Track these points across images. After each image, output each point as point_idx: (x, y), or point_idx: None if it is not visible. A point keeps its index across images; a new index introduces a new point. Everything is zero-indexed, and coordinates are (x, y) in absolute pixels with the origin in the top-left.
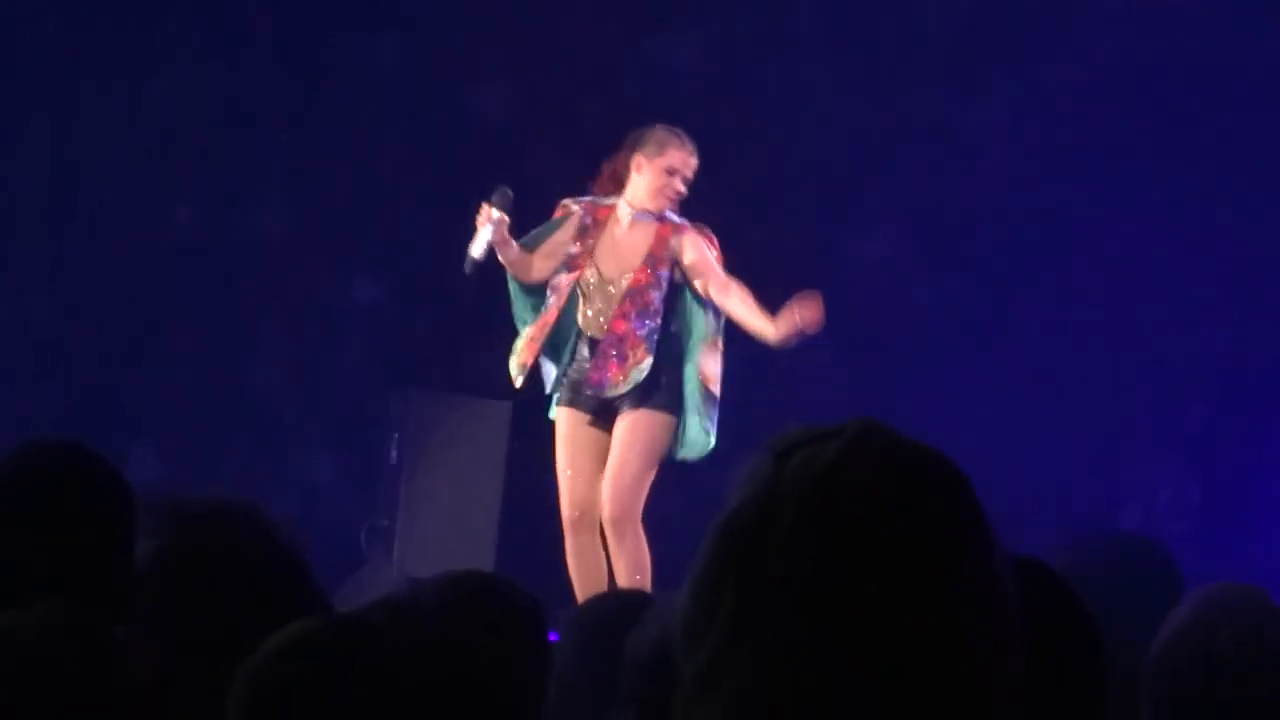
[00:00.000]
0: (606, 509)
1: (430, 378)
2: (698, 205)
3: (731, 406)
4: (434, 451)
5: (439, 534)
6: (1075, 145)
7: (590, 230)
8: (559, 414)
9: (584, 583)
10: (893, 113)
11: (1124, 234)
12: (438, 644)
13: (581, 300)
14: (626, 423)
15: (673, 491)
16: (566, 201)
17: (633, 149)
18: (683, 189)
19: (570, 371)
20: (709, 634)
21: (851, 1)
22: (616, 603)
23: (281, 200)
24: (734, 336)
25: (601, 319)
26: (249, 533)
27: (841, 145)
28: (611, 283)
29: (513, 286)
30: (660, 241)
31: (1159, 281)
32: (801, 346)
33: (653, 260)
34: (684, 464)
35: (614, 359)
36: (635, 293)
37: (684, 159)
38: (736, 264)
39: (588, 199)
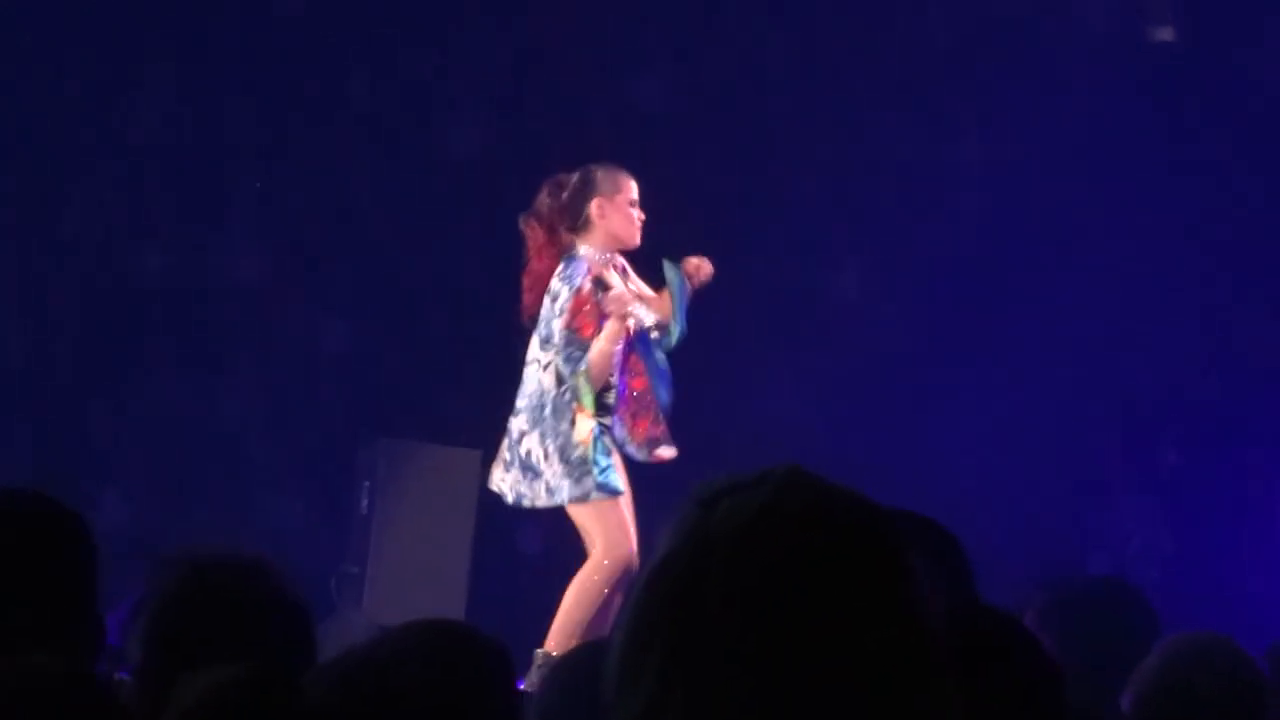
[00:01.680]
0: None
1: (400, 425)
2: (669, 241)
3: (700, 446)
4: (404, 499)
5: (409, 582)
6: (1044, 185)
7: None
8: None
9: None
10: (862, 150)
11: (1093, 276)
12: (404, 692)
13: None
14: None
15: None
16: (597, 275)
17: (584, 197)
18: (640, 215)
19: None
20: (640, 684)
21: (822, 41)
22: (603, 652)
23: (252, 241)
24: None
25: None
26: (258, 586)
27: (811, 182)
28: None
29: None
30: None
31: (1129, 324)
32: (771, 388)
33: None
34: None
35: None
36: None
37: (634, 186)
38: (707, 301)
39: (595, 258)
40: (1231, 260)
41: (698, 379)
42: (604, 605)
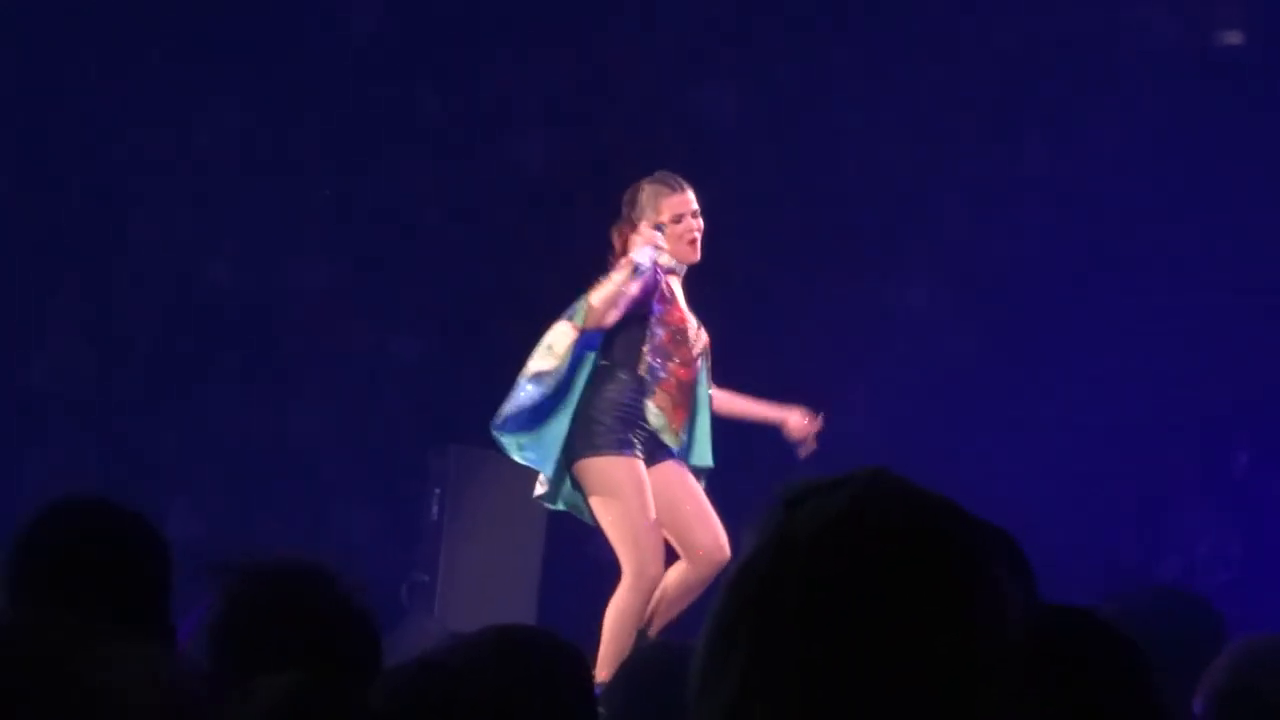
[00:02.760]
0: (720, 552)
1: (471, 433)
2: (734, 255)
3: (765, 462)
4: (474, 506)
5: (480, 588)
6: (1112, 196)
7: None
8: (634, 464)
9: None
10: (930, 164)
11: (1165, 283)
12: (478, 697)
13: None
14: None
15: None
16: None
17: (632, 221)
18: (700, 225)
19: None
20: (723, 684)
21: (890, 53)
22: (671, 652)
23: (322, 252)
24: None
25: None
26: (323, 593)
27: (878, 196)
28: None
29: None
30: None
31: (1200, 330)
32: (841, 403)
33: None
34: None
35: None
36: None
37: (682, 200)
38: (771, 315)
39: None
40: None
41: (771, 395)
42: (640, 613)
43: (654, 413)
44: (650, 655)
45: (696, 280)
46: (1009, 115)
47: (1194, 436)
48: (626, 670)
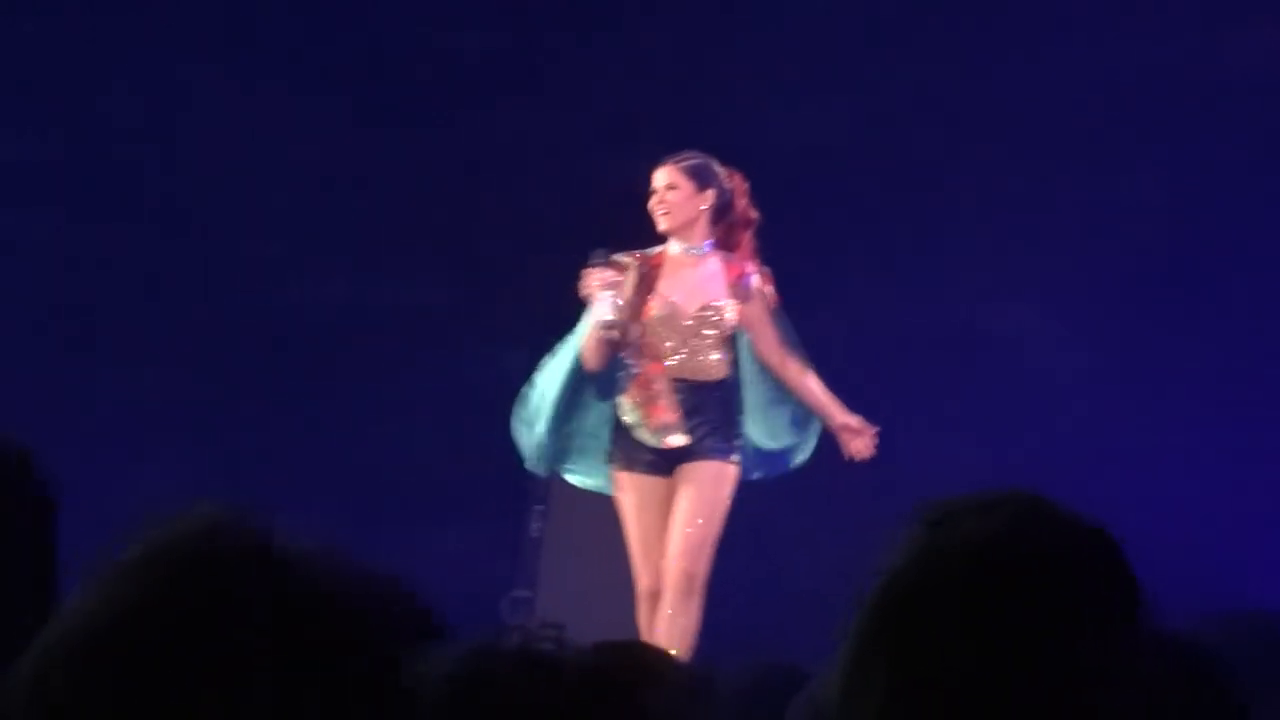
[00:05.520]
0: (678, 565)
1: None
2: (837, 272)
3: (867, 480)
4: (575, 523)
5: (580, 606)
6: (1228, 216)
7: None
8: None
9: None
10: (1041, 186)
11: (1262, 305)
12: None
13: None
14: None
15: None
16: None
17: None
18: (659, 199)
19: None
20: (865, 702)
21: (1000, 76)
22: (772, 672)
23: (431, 270)
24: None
25: None
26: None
27: (988, 218)
28: None
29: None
30: None
31: None
32: (945, 420)
33: None
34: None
35: None
36: None
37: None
38: (870, 338)
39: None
40: None
41: (874, 416)
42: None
43: (627, 409)
44: (753, 674)
45: (799, 296)
46: (1109, 132)
47: None
48: (728, 690)
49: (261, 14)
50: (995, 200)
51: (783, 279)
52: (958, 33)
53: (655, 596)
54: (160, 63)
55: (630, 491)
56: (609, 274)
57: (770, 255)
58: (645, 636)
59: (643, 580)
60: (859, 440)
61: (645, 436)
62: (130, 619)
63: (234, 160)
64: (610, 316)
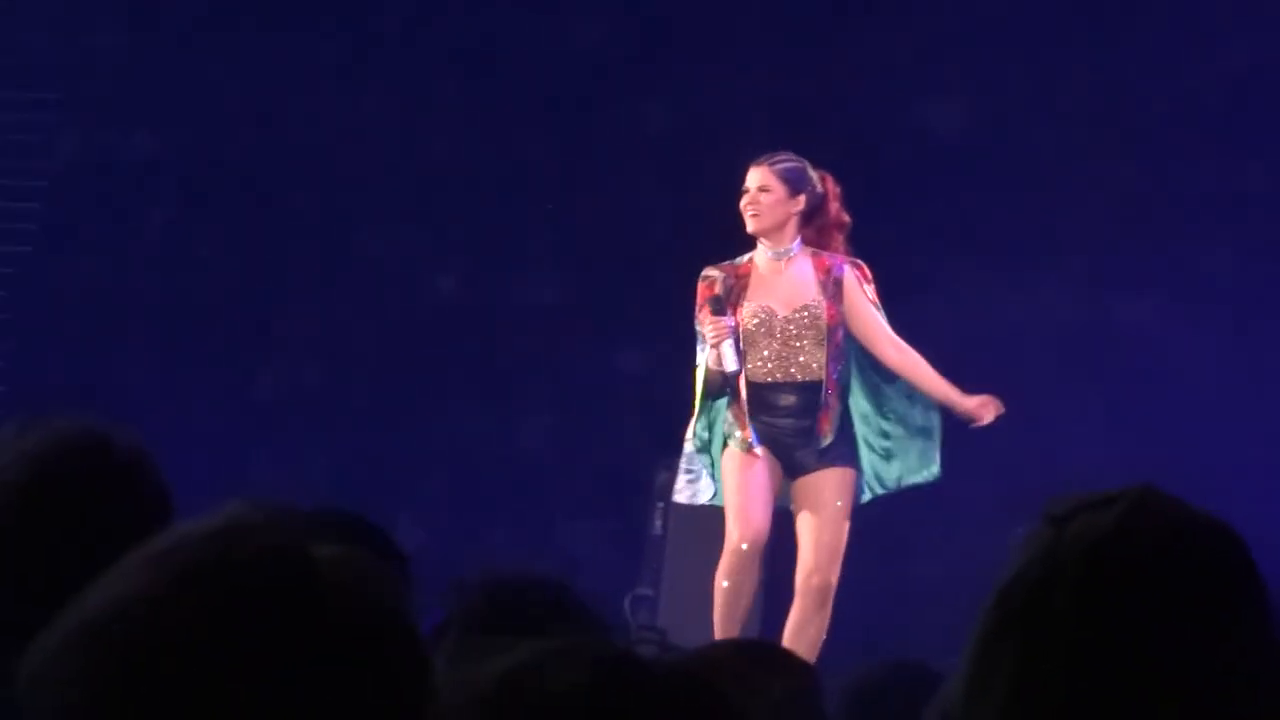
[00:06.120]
0: (816, 579)
1: None
2: (957, 266)
3: (997, 472)
4: (697, 521)
5: (702, 604)
6: None
7: None
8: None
9: (732, 625)
10: (1156, 180)
11: None
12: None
13: None
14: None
15: None
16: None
17: None
18: (749, 199)
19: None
20: (989, 696)
21: (1121, 70)
22: (894, 672)
23: (548, 268)
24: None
25: None
26: (561, 607)
27: (1103, 211)
28: None
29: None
30: None
31: None
32: (1073, 409)
33: None
34: None
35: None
36: None
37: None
38: (998, 332)
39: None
40: None
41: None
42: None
43: (729, 420)
44: (874, 674)
45: (924, 293)
46: (1236, 125)
47: None
48: (851, 690)
49: (381, 10)
50: (1114, 192)
51: (908, 277)
52: (1076, 32)
53: (739, 555)
54: (278, 60)
55: (738, 457)
56: (724, 321)
57: (901, 254)
58: (723, 593)
59: (734, 535)
60: (986, 407)
61: (734, 444)
62: (144, 608)
63: (352, 157)
64: (734, 367)
